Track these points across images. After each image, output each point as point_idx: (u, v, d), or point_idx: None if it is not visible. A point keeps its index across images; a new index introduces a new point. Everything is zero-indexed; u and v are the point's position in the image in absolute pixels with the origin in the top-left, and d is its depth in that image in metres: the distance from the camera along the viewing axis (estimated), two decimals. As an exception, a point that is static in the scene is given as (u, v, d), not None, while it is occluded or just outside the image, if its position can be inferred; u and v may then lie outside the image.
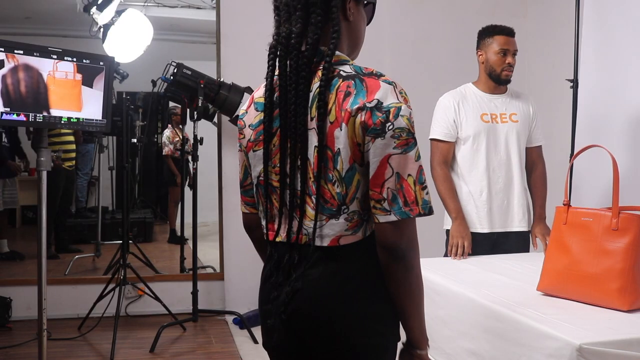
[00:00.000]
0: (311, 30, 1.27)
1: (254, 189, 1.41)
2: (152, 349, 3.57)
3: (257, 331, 3.86)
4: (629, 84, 3.06)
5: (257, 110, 1.36)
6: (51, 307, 2.90)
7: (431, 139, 2.85)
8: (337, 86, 1.24)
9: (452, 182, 2.79)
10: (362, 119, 1.20)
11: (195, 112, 3.84)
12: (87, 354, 3.56)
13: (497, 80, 2.77)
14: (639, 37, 3.00)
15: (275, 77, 1.30)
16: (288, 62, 1.28)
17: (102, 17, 4.08)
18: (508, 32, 2.77)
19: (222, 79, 3.98)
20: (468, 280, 2.10)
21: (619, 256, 1.73)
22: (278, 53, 1.29)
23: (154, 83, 4.00)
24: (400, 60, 4.48)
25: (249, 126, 1.38)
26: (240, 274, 4.28)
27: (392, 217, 1.20)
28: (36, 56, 2.28)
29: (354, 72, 1.26)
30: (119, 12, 4.14)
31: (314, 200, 1.25)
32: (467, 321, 1.93)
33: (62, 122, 2.38)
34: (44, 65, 2.30)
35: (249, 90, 3.92)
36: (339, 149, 1.22)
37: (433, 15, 4.53)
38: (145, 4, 4.91)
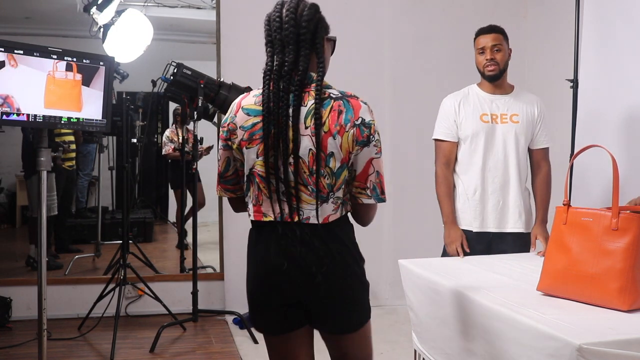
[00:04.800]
0: (302, 60, 1.69)
1: (244, 178, 1.77)
2: (152, 349, 3.57)
3: (257, 331, 3.86)
4: (629, 84, 3.06)
5: (248, 115, 1.72)
6: (51, 307, 2.90)
7: (434, 139, 2.90)
8: (330, 105, 1.68)
9: (450, 184, 2.84)
10: (354, 134, 1.68)
11: (195, 112, 3.84)
12: (87, 354, 3.56)
13: (486, 78, 2.82)
14: (639, 37, 3.00)
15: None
16: (281, 84, 1.68)
17: (102, 17, 4.08)
18: (484, 31, 2.83)
19: (222, 79, 3.97)
20: (468, 280, 2.10)
21: (619, 256, 1.73)
22: (272, 76, 1.70)
23: (154, 83, 4.00)
24: (400, 60, 4.49)
25: (241, 127, 1.73)
26: (240, 274, 4.24)
27: (372, 201, 1.77)
28: (36, 56, 2.28)
29: (340, 94, 1.72)
30: (119, 12, 4.13)
31: (309, 189, 1.69)
32: (467, 321, 1.93)
33: (62, 122, 2.38)
34: (44, 65, 2.30)
35: (249, 90, 3.91)
36: (331, 152, 1.68)
37: (433, 15, 4.53)
38: (145, 4, 4.91)
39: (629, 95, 3.05)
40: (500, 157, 2.78)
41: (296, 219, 1.70)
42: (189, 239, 5.12)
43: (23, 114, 2.27)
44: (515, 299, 1.82)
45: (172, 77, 3.77)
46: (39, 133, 2.39)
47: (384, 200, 1.78)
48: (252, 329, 3.79)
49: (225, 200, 4.49)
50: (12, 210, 6.30)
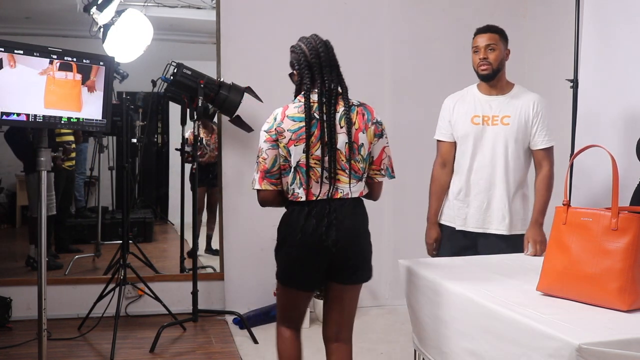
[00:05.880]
0: (337, 80, 2.30)
1: (291, 170, 2.23)
2: (152, 349, 3.57)
3: (257, 331, 3.86)
4: (629, 84, 3.06)
5: (294, 121, 2.23)
6: (51, 307, 2.90)
7: (436, 139, 2.98)
8: (355, 110, 2.28)
9: (441, 184, 2.93)
10: (373, 130, 2.29)
11: (195, 112, 3.84)
12: (87, 354, 3.56)
13: (479, 77, 2.84)
14: (639, 37, 3.00)
15: (312, 102, 2.25)
16: (323, 98, 2.24)
17: (102, 17, 4.08)
18: (481, 31, 2.84)
19: (222, 79, 3.98)
20: (468, 280, 2.10)
21: (619, 256, 1.73)
22: (324, 94, 2.26)
23: (154, 83, 4.01)
24: (400, 60, 4.49)
25: (288, 130, 2.23)
26: (240, 274, 4.28)
27: (385, 179, 2.37)
28: (36, 56, 2.28)
29: (358, 103, 2.32)
30: (119, 12, 4.13)
31: (346, 172, 2.24)
32: (467, 321, 1.93)
33: (62, 122, 2.38)
34: (44, 65, 2.30)
35: (249, 90, 3.92)
36: (362, 143, 2.26)
37: (433, 15, 4.53)
38: (145, 4, 4.91)
39: (629, 95, 3.06)
40: (487, 160, 2.79)
41: (338, 196, 2.24)
42: (215, 244, 5.09)
43: (23, 114, 2.27)
44: (515, 299, 1.83)
45: (172, 77, 3.77)
46: (39, 133, 2.39)
47: (394, 177, 2.38)
48: (252, 329, 3.79)
49: (225, 200, 4.48)
50: (12, 210, 6.29)
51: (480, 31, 2.83)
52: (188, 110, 3.91)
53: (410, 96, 4.45)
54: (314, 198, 2.22)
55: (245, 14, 4.25)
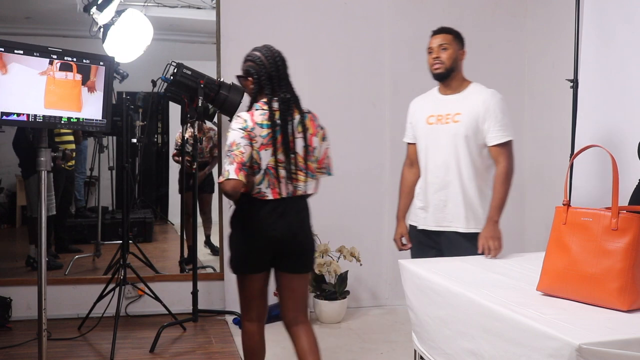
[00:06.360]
0: (291, 90, 2.59)
1: (261, 171, 2.47)
2: (152, 349, 3.57)
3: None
4: (629, 84, 3.06)
5: (262, 127, 2.46)
6: (51, 307, 2.90)
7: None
8: (308, 117, 2.59)
9: (407, 183, 3.03)
10: (321, 134, 2.63)
11: (195, 112, 3.83)
12: (87, 354, 3.56)
13: (433, 77, 2.87)
14: (639, 37, 3.00)
15: (274, 109, 2.51)
16: (280, 107, 2.51)
17: (102, 17, 4.08)
18: (433, 33, 2.89)
19: (222, 79, 3.98)
20: (468, 280, 2.10)
21: (619, 256, 1.73)
22: (279, 101, 2.53)
23: (154, 83, 4.00)
24: (399, 60, 4.48)
25: (260, 136, 2.46)
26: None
27: (327, 176, 2.67)
28: (36, 56, 2.28)
29: (308, 110, 2.62)
30: (119, 12, 4.13)
31: (304, 172, 2.55)
32: (467, 321, 1.93)
33: (62, 122, 2.38)
34: (44, 66, 2.30)
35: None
36: (315, 146, 2.58)
37: (433, 15, 4.52)
38: (145, 4, 4.91)
39: (629, 95, 3.06)
40: (441, 158, 2.82)
41: (298, 193, 2.54)
42: (215, 242, 5.07)
43: (23, 114, 2.27)
44: (515, 299, 1.83)
45: (172, 77, 3.77)
46: (39, 133, 2.39)
47: (332, 174, 2.70)
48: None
49: (225, 200, 4.48)
50: (12, 210, 6.29)
51: (434, 33, 2.89)
52: (188, 110, 3.91)
53: (410, 96, 4.44)
54: (279, 197, 2.49)
55: (245, 14, 4.24)
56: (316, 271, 4.14)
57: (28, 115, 2.28)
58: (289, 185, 2.51)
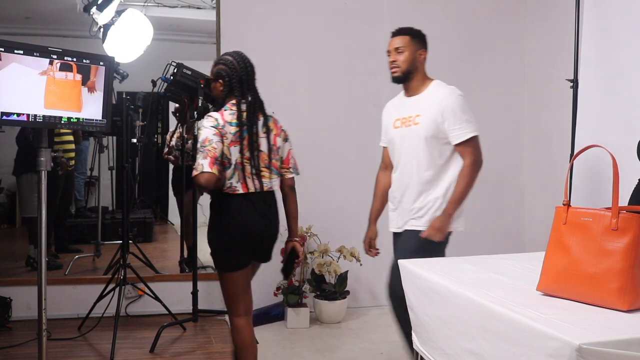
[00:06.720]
0: (256, 94, 2.80)
1: (231, 167, 2.67)
2: (152, 349, 3.57)
3: (257, 331, 3.85)
4: (629, 84, 3.06)
5: (231, 126, 2.68)
6: (51, 307, 2.90)
7: None
8: (271, 119, 2.82)
9: (381, 186, 3.06)
10: (283, 135, 2.84)
11: (195, 112, 3.84)
12: (87, 354, 3.56)
13: (392, 80, 2.87)
14: (639, 38, 3.00)
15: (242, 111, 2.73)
16: (248, 109, 2.73)
17: (102, 17, 4.08)
18: (391, 35, 2.88)
19: (222, 79, 3.97)
20: (468, 280, 2.10)
21: (619, 256, 1.72)
22: (246, 104, 2.74)
23: (154, 83, 4.01)
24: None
25: (229, 133, 2.67)
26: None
27: (294, 175, 2.88)
28: (36, 56, 2.28)
29: (271, 114, 2.84)
30: (119, 12, 4.14)
31: (269, 169, 2.76)
32: (467, 321, 1.93)
33: (62, 122, 2.38)
34: (44, 66, 2.30)
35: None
36: (279, 146, 2.81)
37: (433, 15, 4.53)
38: (145, 4, 4.91)
39: (629, 95, 3.06)
40: (404, 161, 2.85)
41: (265, 189, 2.74)
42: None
43: (23, 114, 2.27)
44: (515, 299, 1.82)
45: (172, 77, 3.77)
46: (39, 133, 2.39)
47: (299, 174, 2.89)
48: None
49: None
50: (12, 210, 6.29)
51: (392, 34, 2.87)
52: (188, 110, 3.91)
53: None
54: (248, 191, 2.70)
55: (245, 14, 4.25)
56: (316, 271, 4.14)
57: (28, 115, 2.28)
58: (256, 180, 2.70)
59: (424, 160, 2.77)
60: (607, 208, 1.79)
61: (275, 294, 4.16)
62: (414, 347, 2.40)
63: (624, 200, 2.77)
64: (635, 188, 2.87)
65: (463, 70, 4.54)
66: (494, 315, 1.77)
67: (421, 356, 2.33)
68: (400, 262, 2.46)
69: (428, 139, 2.75)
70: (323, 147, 4.36)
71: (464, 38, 4.64)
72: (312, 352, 3.63)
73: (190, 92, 3.83)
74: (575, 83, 3.43)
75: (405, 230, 2.87)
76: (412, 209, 2.84)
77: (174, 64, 3.79)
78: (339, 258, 4.18)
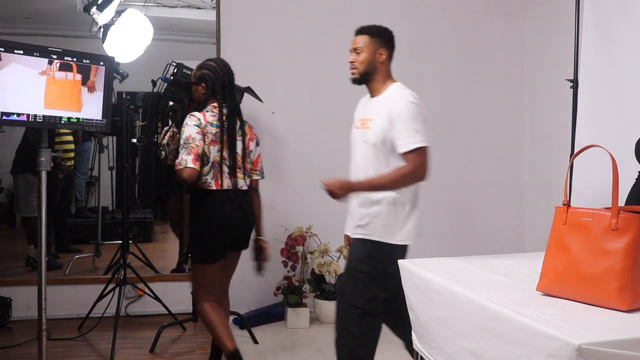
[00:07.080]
0: (236, 100, 3.07)
1: (209, 164, 2.90)
2: (152, 349, 3.57)
3: (257, 331, 3.87)
4: (629, 84, 3.06)
5: (212, 126, 2.92)
6: (51, 307, 2.90)
7: None
8: (247, 125, 3.07)
9: None
10: (256, 140, 3.12)
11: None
12: (87, 354, 3.56)
13: (350, 81, 2.72)
14: (639, 37, 3.00)
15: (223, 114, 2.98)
16: (229, 113, 2.97)
17: (102, 17, 4.08)
18: (355, 33, 2.73)
19: (222, 79, 3.98)
20: (468, 280, 2.10)
21: (619, 256, 1.72)
22: (227, 108, 3.00)
23: (154, 83, 4.00)
24: (399, 60, 4.47)
25: (210, 133, 2.91)
26: (240, 274, 4.27)
27: (261, 178, 3.15)
28: (36, 56, 2.28)
29: (246, 120, 3.07)
30: (119, 12, 4.14)
31: (242, 170, 3.01)
32: (467, 321, 1.93)
33: (62, 122, 2.38)
34: (44, 65, 2.30)
35: (249, 90, 3.92)
36: (251, 150, 3.07)
37: (433, 15, 4.53)
38: (145, 4, 4.91)
39: (629, 95, 3.06)
40: (354, 163, 2.73)
41: (239, 187, 2.98)
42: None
43: (23, 114, 2.27)
44: (515, 299, 1.82)
45: (172, 77, 3.77)
46: (39, 133, 2.39)
47: (264, 177, 3.16)
48: (252, 329, 3.79)
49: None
50: (12, 210, 6.29)
51: (354, 33, 2.72)
52: (188, 110, 3.91)
53: (410, 96, 4.45)
54: (221, 188, 2.91)
55: (245, 14, 4.25)
56: (316, 271, 4.14)
57: (28, 115, 2.28)
58: (232, 179, 2.94)
59: (371, 167, 2.61)
60: (607, 208, 1.79)
61: (275, 294, 4.16)
62: (414, 346, 2.40)
63: (623, 200, 2.77)
64: (631, 189, 2.87)
65: (463, 70, 4.54)
66: (494, 315, 1.77)
67: (421, 356, 2.33)
68: (400, 262, 2.46)
69: (377, 145, 2.59)
70: (323, 147, 4.36)
71: (464, 38, 4.64)
72: (312, 352, 3.63)
73: (190, 92, 3.83)
74: (575, 83, 3.43)
75: (354, 238, 2.74)
76: (357, 214, 2.70)
77: (174, 64, 3.79)
78: (339, 258, 4.18)
